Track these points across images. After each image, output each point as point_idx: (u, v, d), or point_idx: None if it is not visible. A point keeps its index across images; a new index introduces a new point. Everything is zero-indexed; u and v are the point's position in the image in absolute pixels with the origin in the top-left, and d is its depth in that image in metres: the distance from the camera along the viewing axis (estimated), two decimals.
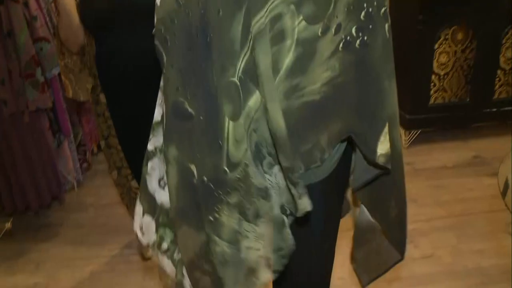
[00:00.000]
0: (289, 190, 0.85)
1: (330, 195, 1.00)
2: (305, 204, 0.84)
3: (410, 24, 2.83)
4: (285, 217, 0.89)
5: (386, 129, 0.88)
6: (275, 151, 0.82)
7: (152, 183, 1.02)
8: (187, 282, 1.03)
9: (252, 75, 0.77)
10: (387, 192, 1.03)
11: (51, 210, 2.60)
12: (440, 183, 2.71)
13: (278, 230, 0.89)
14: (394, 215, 1.04)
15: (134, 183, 1.97)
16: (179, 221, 0.97)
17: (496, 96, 3.01)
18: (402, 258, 1.08)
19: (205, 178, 0.87)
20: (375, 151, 0.90)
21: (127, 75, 1.63)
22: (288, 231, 0.89)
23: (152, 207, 1.02)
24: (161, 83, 0.92)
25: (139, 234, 1.06)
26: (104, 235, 2.41)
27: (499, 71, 2.95)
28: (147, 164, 1.03)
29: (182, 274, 1.02)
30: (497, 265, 2.04)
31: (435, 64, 2.87)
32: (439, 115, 3.03)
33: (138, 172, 1.93)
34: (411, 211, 2.41)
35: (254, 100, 0.79)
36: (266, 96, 0.77)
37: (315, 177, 0.95)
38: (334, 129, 0.85)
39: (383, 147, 0.89)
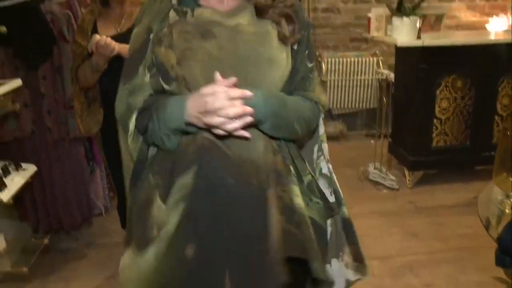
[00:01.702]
0: None
1: None
2: None
3: (413, 72, 3.10)
4: None
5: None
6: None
7: None
8: None
9: None
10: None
11: (80, 231, 2.82)
12: (440, 220, 2.89)
13: None
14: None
15: None
16: None
17: (494, 140, 3.22)
18: None
19: None
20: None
21: None
22: None
23: None
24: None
25: None
26: None
27: (496, 117, 3.19)
28: None
29: None
30: None
31: (437, 109, 3.12)
32: (441, 157, 3.25)
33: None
34: (412, 244, 2.61)
35: None
36: None
37: None
38: None
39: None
